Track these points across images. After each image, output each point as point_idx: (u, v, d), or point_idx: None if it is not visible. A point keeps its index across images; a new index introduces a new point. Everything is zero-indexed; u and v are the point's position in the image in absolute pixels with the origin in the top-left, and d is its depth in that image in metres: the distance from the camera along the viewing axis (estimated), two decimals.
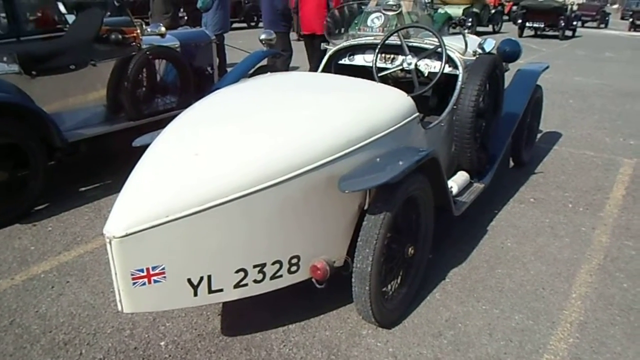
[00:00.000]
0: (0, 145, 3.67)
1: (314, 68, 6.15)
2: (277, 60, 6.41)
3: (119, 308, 2.02)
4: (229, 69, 5.54)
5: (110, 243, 1.88)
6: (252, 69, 4.98)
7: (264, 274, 2.21)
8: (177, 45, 4.99)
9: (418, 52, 3.45)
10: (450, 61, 3.37)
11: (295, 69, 4.90)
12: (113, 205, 1.99)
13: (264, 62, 5.40)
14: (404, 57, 3.47)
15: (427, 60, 3.45)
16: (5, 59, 3.80)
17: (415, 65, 3.43)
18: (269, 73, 3.64)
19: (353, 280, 2.37)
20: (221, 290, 2.14)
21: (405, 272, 2.69)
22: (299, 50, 7.96)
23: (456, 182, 3.28)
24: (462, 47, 3.51)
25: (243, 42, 6.67)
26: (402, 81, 3.55)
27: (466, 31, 3.63)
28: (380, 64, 3.55)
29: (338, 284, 2.50)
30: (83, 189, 4.43)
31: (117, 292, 1.99)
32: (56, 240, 3.59)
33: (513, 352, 2.41)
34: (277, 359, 2.41)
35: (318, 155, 2.17)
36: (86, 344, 2.54)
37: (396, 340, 2.51)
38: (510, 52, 3.70)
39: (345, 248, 2.42)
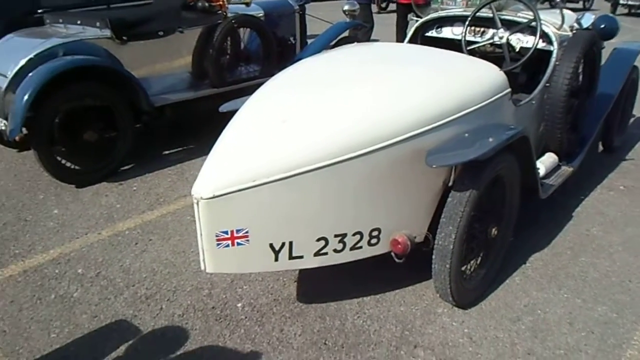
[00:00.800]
0: (92, 107, 3.83)
1: (400, 40, 5.98)
2: (358, 32, 6.30)
3: (202, 267, 2.06)
4: (309, 40, 5.49)
5: (197, 204, 1.90)
6: (334, 40, 4.91)
7: (344, 244, 2.19)
8: (261, 15, 4.99)
9: (510, 25, 3.28)
10: (544, 36, 3.18)
11: (375, 42, 4.78)
12: (195, 168, 2.01)
13: (346, 33, 5.31)
14: (495, 30, 3.31)
15: (519, 35, 3.28)
16: (98, 24, 3.93)
17: (507, 39, 3.26)
18: (357, 44, 3.56)
19: (433, 257, 2.32)
20: (301, 257, 2.14)
21: (486, 252, 2.60)
22: (380, 23, 7.78)
23: (544, 164, 3.13)
24: (557, 21, 3.30)
25: (323, 14, 6.56)
26: (490, 56, 3.40)
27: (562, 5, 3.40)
28: (469, 37, 3.40)
29: (416, 259, 2.47)
30: (167, 152, 4.55)
31: (201, 251, 2.02)
32: (140, 200, 3.71)
33: (594, 345, 2.31)
34: (351, 329, 2.40)
35: (405, 128, 2.12)
36: (166, 299, 2.62)
37: (472, 321, 2.45)
38: (607, 29, 3.46)
39: (426, 224, 2.37)
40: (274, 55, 4.84)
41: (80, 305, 2.58)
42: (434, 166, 2.10)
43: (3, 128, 3.57)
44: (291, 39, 5.29)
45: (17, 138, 3.45)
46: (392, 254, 2.30)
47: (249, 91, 2.54)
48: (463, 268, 2.45)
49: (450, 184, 2.33)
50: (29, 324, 2.46)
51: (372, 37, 7.19)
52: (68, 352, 2.28)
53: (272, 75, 2.63)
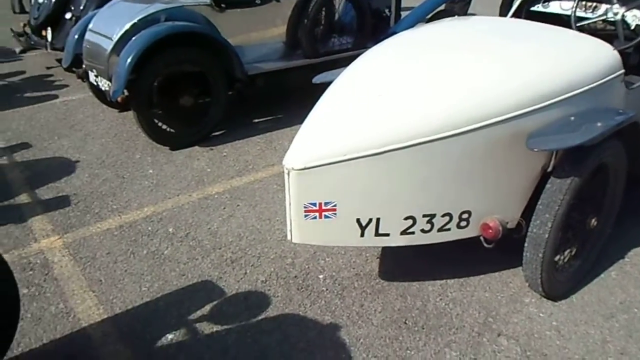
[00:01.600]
0: (189, 73, 3.91)
1: (503, 14, 5.70)
2: (455, 5, 6.09)
3: (288, 237, 2.08)
4: (403, 13, 5.35)
5: (288, 174, 1.92)
6: (430, 13, 4.75)
7: (432, 225, 2.15)
8: None
9: (627, 0, 3.01)
10: None
11: (474, 15, 4.58)
12: (283, 138, 2.02)
13: (442, 7, 5.14)
14: (608, 5, 3.05)
15: (636, 11, 3.01)
16: None
17: (622, 15, 3.00)
18: (454, 17, 3.41)
19: (526, 244, 2.22)
20: (387, 234, 2.12)
21: (582, 243, 2.47)
22: None
23: None
24: None
25: None
26: (600, 33, 3.14)
27: None
28: (579, 13, 3.17)
29: (505, 245, 2.38)
30: (257, 120, 4.60)
31: (288, 221, 2.05)
32: (229, 165, 3.78)
33: None
34: (433, 311, 2.36)
35: (506, 108, 2.03)
36: (250, 265, 2.67)
37: (561, 314, 2.33)
38: None
39: (520, 210, 2.27)
40: (368, 28, 4.77)
41: (170, 263, 2.68)
42: (535, 150, 2.01)
43: (107, 89, 3.73)
44: (386, 11, 5.17)
45: (119, 99, 3.57)
46: (482, 238, 2.23)
47: (342, 63, 2.52)
48: (556, 258, 2.34)
49: (549, 169, 2.22)
50: (123, 275, 2.58)
51: (469, 11, 6.89)
52: (157, 306, 2.37)
53: (365, 48, 2.60)
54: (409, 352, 2.14)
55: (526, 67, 2.20)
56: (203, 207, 3.20)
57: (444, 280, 2.55)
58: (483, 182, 2.15)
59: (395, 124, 1.95)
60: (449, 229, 2.18)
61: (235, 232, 2.94)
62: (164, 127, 4.00)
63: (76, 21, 5.00)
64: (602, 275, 2.59)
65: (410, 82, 2.12)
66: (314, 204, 1.98)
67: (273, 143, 4.12)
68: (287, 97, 5.09)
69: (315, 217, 2.00)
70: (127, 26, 3.69)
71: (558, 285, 2.38)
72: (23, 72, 5.89)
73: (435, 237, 2.18)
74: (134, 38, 3.61)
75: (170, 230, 2.96)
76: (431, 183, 2.06)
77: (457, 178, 2.09)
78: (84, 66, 4.08)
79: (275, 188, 3.41)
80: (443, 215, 2.13)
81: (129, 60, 3.51)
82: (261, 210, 3.16)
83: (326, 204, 1.99)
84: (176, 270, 2.61)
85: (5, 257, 2.04)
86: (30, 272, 2.59)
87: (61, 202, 3.25)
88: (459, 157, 2.03)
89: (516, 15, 3.50)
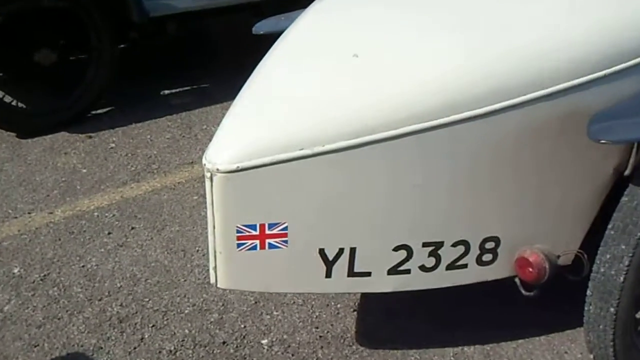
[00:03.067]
0: (50, 11, 3.81)
1: None
2: None
3: (211, 279, 2.08)
4: None
5: (211, 179, 1.91)
6: None
7: (438, 259, 2.18)
8: None
9: None
10: None
11: None
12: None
13: None
14: None
15: None
16: None
17: None
18: None
19: (588, 292, 2.22)
20: (368, 274, 2.14)
21: None
22: None
23: None
24: None
25: None
26: None
27: None
28: None
29: (553, 293, 2.37)
30: (166, 92, 4.57)
31: (212, 254, 2.03)
32: (120, 164, 3.76)
33: None
34: None
35: (548, 78, 2.06)
36: (151, 325, 2.66)
37: None
38: None
39: (579, 237, 2.32)
40: None
41: (13, 327, 2.63)
42: (602, 142, 2.02)
43: None
44: None
45: None
46: (517, 281, 2.28)
47: (297, 5, 2.51)
48: (638, 315, 2.35)
49: (627, 172, 2.24)
50: None
51: None
52: None
53: None
54: None
55: (582, 14, 2.26)
56: (73, 233, 3.18)
57: (460, 348, 2.57)
58: (518, 193, 2.18)
59: (378, 99, 1.97)
60: (464, 266, 2.21)
61: (128, 271, 2.93)
62: (8, 99, 3.93)
63: None
64: None
65: (397, 37, 2.16)
66: (253, 227, 1.98)
67: (193, 128, 4.11)
68: (215, 55, 5.09)
69: (254, 247, 2.01)
70: None
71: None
72: None
73: (442, 279, 2.22)
74: None
75: (16, 271, 2.92)
76: (435, 193, 2.09)
77: (477, 185, 2.12)
78: None
79: (194, 201, 3.41)
80: (455, 244, 2.16)
81: None
82: (171, 237, 3.16)
83: (272, 226, 1.99)
84: (23, 339, 2.57)
85: None
86: None
87: None
88: (474, 152, 2.07)
89: None
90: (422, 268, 2.18)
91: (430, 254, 2.16)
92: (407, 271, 2.17)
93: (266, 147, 1.94)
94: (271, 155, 1.93)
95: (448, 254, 2.18)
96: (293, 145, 1.94)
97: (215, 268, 2.06)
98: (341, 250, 2.10)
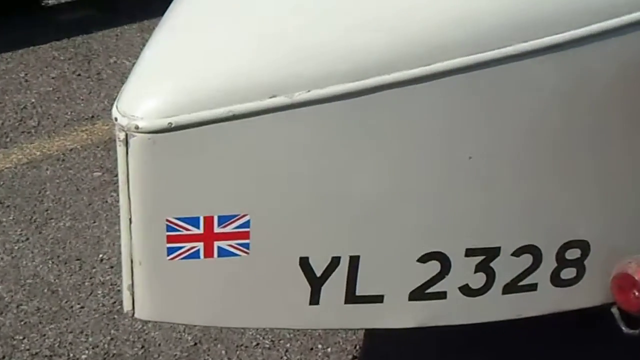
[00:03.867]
0: None
1: None
2: None
3: (125, 306, 1.94)
4: None
5: (126, 142, 1.74)
6: None
7: (491, 275, 2.04)
8: None
9: None
10: None
11: None
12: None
13: None
14: None
15: None
16: None
17: None
18: None
19: None
20: (378, 298, 2.01)
21: None
22: None
23: None
24: None
25: None
26: None
27: None
28: None
29: None
30: (50, 2, 4.55)
31: (125, 266, 1.89)
32: None
33: None
34: None
35: None
36: None
37: None
38: None
39: None
40: None
41: None
42: None
43: None
44: None
45: None
46: (615, 311, 2.17)
47: None
48: None
49: None
50: None
51: None
52: None
53: None
54: None
55: None
56: None
57: None
58: (628, 169, 2.10)
59: (359, 31, 1.90)
60: (532, 287, 2.09)
61: None
62: None
63: None
64: None
65: None
66: (193, 222, 1.81)
67: (94, 62, 4.04)
68: None
69: (194, 254, 1.84)
70: None
71: None
72: None
73: (497, 308, 2.14)
74: None
75: None
76: (490, 167, 1.99)
77: (561, 154, 2.03)
78: None
79: (95, 180, 3.33)
80: (518, 252, 2.04)
81: None
82: (58, 237, 3.04)
83: (224, 219, 1.82)
84: None
85: None
86: None
87: None
88: (534, 108, 1.97)
89: None
90: (465, 290, 2.05)
91: (480, 266, 2.02)
92: (442, 295, 2.04)
93: (217, 94, 1.79)
94: (225, 106, 1.77)
95: (507, 268, 2.05)
96: (261, 90, 1.79)
97: (131, 288, 1.89)
98: (336, 261, 1.94)
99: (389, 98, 1.88)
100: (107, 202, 3.10)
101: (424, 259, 1.97)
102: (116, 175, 1.87)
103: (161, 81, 1.84)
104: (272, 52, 1.89)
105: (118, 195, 1.87)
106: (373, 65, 1.88)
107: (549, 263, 2.07)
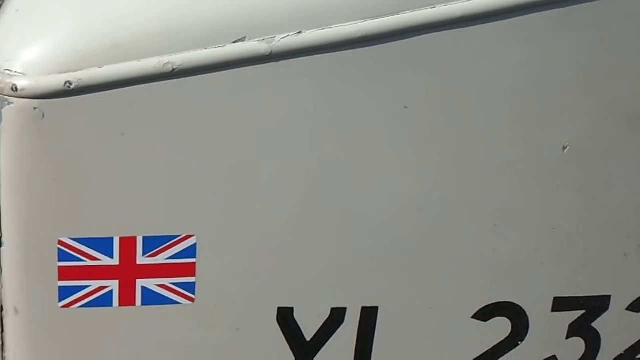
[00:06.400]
0: None
1: None
2: None
3: None
4: None
5: None
6: None
7: (592, 340, 1.74)
8: None
9: None
10: None
11: None
12: None
13: None
14: None
15: None
16: None
17: None
18: None
19: None
20: None
21: None
22: None
23: None
24: None
25: None
26: None
27: None
28: None
29: None
30: None
31: None
32: None
33: None
34: None
35: None
36: None
37: None
38: None
39: None
40: None
41: None
42: None
43: None
44: None
45: None
46: None
47: None
48: None
49: None
50: None
51: None
52: None
53: None
54: None
55: None
56: None
57: None
58: None
59: None
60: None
61: None
62: None
63: None
64: None
65: None
66: (102, 244, 1.40)
67: None
68: None
69: (104, 301, 1.44)
70: None
71: None
72: None
73: None
74: None
75: None
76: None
77: None
78: None
79: None
80: (636, 305, 1.72)
81: None
82: None
83: (153, 243, 1.41)
84: None
85: None
86: None
87: None
88: None
89: None
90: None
91: (574, 330, 1.69)
92: None
93: (147, 36, 1.38)
94: (160, 55, 1.36)
95: (620, 330, 1.72)
96: (220, 31, 1.40)
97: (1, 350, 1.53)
98: (337, 314, 1.56)
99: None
100: None
101: (484, 314, 1.56)
102: None
103: (55, 15, 1.37)
104: None
105: None
106: None
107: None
